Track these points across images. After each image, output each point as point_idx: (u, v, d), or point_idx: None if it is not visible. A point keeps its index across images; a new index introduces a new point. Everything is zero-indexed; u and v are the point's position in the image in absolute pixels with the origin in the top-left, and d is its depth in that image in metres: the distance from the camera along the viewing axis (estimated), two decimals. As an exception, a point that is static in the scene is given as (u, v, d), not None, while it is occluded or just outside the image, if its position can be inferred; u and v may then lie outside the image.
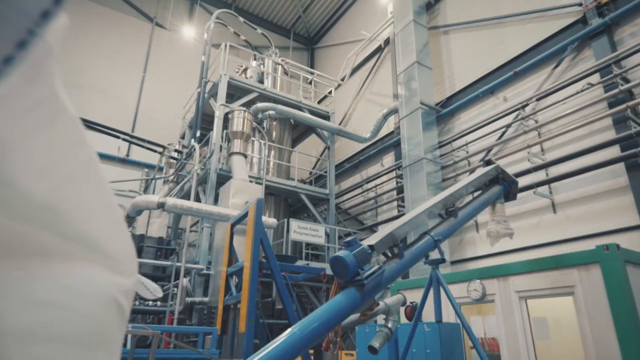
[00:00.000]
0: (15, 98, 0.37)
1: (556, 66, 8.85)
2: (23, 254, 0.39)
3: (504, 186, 5.33)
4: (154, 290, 1.02)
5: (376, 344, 4.76)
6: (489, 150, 9.83)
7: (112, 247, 0.48)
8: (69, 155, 0.43)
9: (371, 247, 3.51)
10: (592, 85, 7.95)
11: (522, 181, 8.52)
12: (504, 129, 9.61)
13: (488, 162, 5.54)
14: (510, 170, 8.76)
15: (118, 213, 0.51)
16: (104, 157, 14.42)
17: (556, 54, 8.85)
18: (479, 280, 5.94)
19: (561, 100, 8.43)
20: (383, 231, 3.79)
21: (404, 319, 6.90)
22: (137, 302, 8.77)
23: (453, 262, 9.75)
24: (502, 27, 10.37)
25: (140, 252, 10.34)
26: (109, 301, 0.46)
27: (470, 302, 6.08)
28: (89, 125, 12.44)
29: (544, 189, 8.39)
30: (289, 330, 2.97)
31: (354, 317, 5.23)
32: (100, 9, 16.36)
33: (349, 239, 3.49)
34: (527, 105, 9.16)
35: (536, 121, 8.93)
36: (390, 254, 3.90)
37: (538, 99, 8.99)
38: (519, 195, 8.47)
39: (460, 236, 9.99)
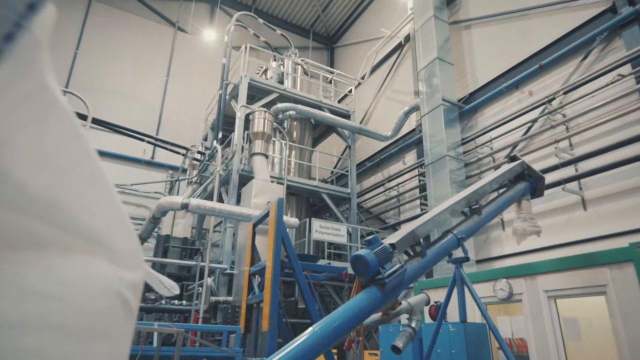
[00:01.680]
0: (5, 92, 0.37)
1: (584, 58, 8.55)
2: (17, 246, 0.39)
3: (529, 183, 5.18)
4: (170, 287, 1.02)
5: (399, 344, 4.71)
6: (514, 146, 9.58)
7: (115, 240, 0.48)
8: (64, 148, 0.42)
9: (392, 245, 3.46)
10: (623, 76, 7.64)
11: (550, 177, 8.28)
12: (529, 124, 9.35)
13: (513, 158, 5.40)
14: (537, 166, 8.57)
15: (120, 207, 0.50)
16: (130, 159, 14.78)
17: (584, 45, 8.55)
18: (505, 280, 5.80)
19: (590, 92, 8.13)
20: (404, 229, 3.74)
21: (428, 319, 6.80)
22: (163, 301, 8.95)
23: (478, 261, 9.55)
24: (527, 19, 10.09)
25: (165, 253, 10.55)
26: (111, 294, 0.46)
27: (497, 302, 5.94)
28: (116, 129, 12.78)
29: (573, 185, 8.12)
30: (310, 329, 2.96)
31: (376, 316, 5.19)
32: (124, 15, 16.77)
33: (369, 237, 3.46)
34: (554, 99, 8.89)
35: (564, 115, 8.65)
36: (412, 253, 3.84)
37: (565, 92, 8.71)
38: (546, 192, 8.24)
39: (486, 234, 9.78)
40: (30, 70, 0.39)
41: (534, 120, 9.24)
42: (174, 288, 1.06)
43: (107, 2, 16.60)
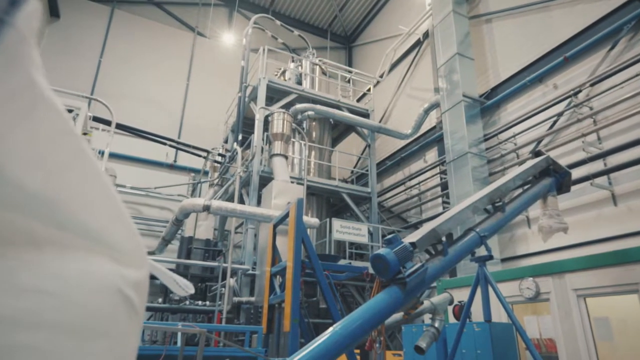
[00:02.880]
0: None
1: (611, 48, 8.25)
2: (12, 243, 0.39)
3: (555, 178, 5.03)
4: (185, 286, 1.02)
5: (423, 344, 4.64)
6: (539, 141, 9.33)
7: (116, 239, 0.48)
8: (57, 144, 0.42)
9: (413, 244, 3.41)
10: (654, 65, 7.34)
11: (578, 172, 8.03)
12: (555, 118, 9.09)
13: (537, 154, 5.25)
14: (564, 161, 8.31)
15: (120, 206, 0.50)
16: (153, 163, 15.08)
17: (611, 35, 8.25)
18: (531, 278, 5.65)
19: (619, 84, 7.84)
20: (425, 228, 3.68)
21: (452, 319, 6.68)
22: (187, 302, 9.08)
23: (504, 260, 9.33)
24: (549, 10, 9.81)
25: (189, 254, 10.70)
26: (112, 292, 0.45)
27: (523, 301, 5.79)
28: (139, 133, 13.06)
29: (602, 179, 7.85)
30: (330, 329, 2.94)
31: (398, 316, 5.13)
32: (146, 22, 17.13)
33: (389, 236, 3.42)
34: (580, 91, 8.61)
35: (591, 108, 8.37)
36: (433, 251, 3.77)
37: (592, 84, 8.42)
38: (574, 187, 8.01)
39: (511, 232, 9.55)
40: (16, 66, 0.38)
41: (560, 114, 8.98)
42: (188, 287, 1.06)
43: (128, 10, 16.99)
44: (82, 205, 0.44)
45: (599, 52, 8.51)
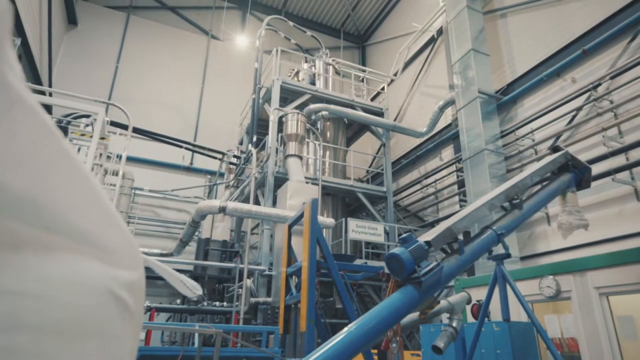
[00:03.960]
0: None
1: (632, 39, 8.03)
2: None
3: (574, 174, 4.91)
4: (193, 287, 1.03)
5: (441, 344, 4.58)
6: (557, 136, 9.14)
7: (107, 240, 0.48)
8: (37, 145, 0.41)
9: (428, 243, 3.37)
10: (677, 56, 7.11)
11: (598, 167, 7.84)
12: (574, 113, 8.89)
13: (555, 149, 5.14)
14: (584, 157, 8.14)
15: (109, 207, 0.50)
16: (170, 166, 15.29)
17: (631, 27, 8.02)
18: (551, 276, 5.53)
19: None
20: (440, 226, 3.63)
21: (470, 318, 6.59)
22: (205, 303, 9.17)
23: (523, 258, 9.16)
24: (566, 3, 9.60)
25: (206, 255, 10.82)
26: (102, 293, 0.45)
27: (543, 300, 5.67)
28: (155, 137, 13.25)
29: (624, 174, 7.64)
30: (345, 329, 2.93)
31: (414, 315, 5.08)
32: (160, 27, 17.39)
33: (404, 235, 3.38)
34: (599, 85, 8.41)
35: (611, 101, 8.16)
36: (449, 250, 3.72)
37: (612, 77, 8.21)
38: (595, 183, 7.82)
39: (530, 230, 9.38)
40: None
41: (579, 109, 8.78)
42: (196, 288, 1.07)
43: (144, 15, 17.27)
44: (69, 206, 0.44)
45: (618, 44, 8.29)
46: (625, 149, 7.62)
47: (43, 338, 0.39)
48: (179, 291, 1.02)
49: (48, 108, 11.73)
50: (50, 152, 0.42)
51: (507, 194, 4.23)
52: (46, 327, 0.39)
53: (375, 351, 6.53)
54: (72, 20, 15.32)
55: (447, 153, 12.88)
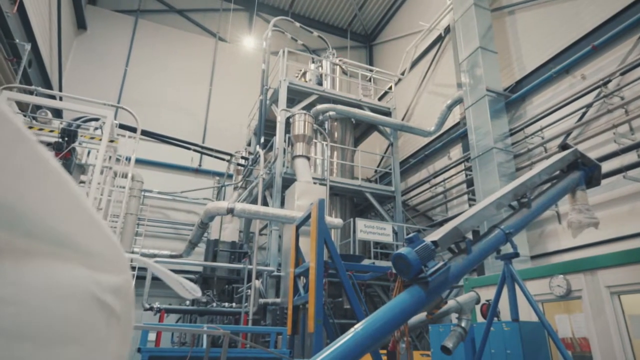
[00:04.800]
0: None
1: (642, 34, 7.91)
2: None
3: (584, 172, 4.85)
4: (191, 289, 1.03)
5: (449, 344, 4.56)
6: (567, 134, 9.02)
7: (89, 244, 0.47)
8: (10, 151, 0.40)
9: (434, 243, 3.35)
10: (689, 51, 6.99)
11: (610, 165, 7.73)
12: (584, 110, 8.78)
13: (564, 147, 5.08)
14: (595, 154, 8.03)
15: (91, 212, 0.49)
16: (179, 168, 15.40)
17: (641, 21, 7.90)
18: (562, 276, 5.47)
19: (651, 71, 7.51)
20: (447, 226, 3.62)
21: (480, 318, 6.54)
22: (214, 304, 9.21)
23: (533, 257, 9.07)
24: (575, -2, 9.49)
25: (215, 257, 10.87)
26: (84, 298, 0.45)
27: (554, 299, 5.61)
28: (164, 139, 13.36)
29: (636, 172, 7.52)
30: (352, 329, 2.93)
31: (422, 316, 5.06)
32: (168, 30, 17.53)
33: (410, 235, 3.37)
34: (609, 81, 8.29)
35: (622, 98, 8.04)
36: (456, 250, 3.70)
37: (622, 73, 8.09)
38: (606, 180, 7.73)
39: (541, 228, 9.28)
40: None
41: (589, 105, 8.67)
42: (195, 290, 1.07)
43: (152, 19, 17.42)
44: (49, 212, 0.43)
45: (629, 40, 8.17)
46: (636, 146, 7.51)
47: (18, 344, 0.38)
48: (178, 293, 1.03)
49: (58, 112, 11.89)
50: (24, 158, 0.42)
51: (515, 193, 4.20)
52: (22, 333, 0.39)
53: (385, 351, 6.51)
54: (81, 24, 15.51)
55: (456, 152, 12.79)
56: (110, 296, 0.47)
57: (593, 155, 7.93)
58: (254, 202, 11.02)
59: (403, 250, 3.22)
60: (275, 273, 9.44)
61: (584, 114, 8.79)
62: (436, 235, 3.47)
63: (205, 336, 4.39)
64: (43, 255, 0.43)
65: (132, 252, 8.71)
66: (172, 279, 1.00)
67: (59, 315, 0.43)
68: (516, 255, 3.95)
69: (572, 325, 5.45)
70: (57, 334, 0.42)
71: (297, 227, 6.89)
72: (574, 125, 8.86)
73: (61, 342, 0.42)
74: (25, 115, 7.68)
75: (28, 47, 9.49)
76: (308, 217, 6.39)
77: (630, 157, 7.61)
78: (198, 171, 15.74)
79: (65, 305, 0.43)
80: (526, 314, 5.34)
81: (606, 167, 7.70)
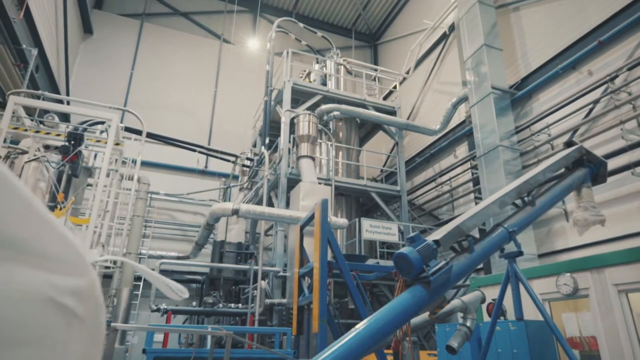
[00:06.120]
0: None
1: (649, 29, 7.80)
2: None
3: (590, 169, 4.79)
4: (178, 291, 1.03)
5: (454, 344, 4.53)
6: (574, 130, 8.93)
7: (46, 248, 0.47)
8: None
9: (436, 242, 3.33)
10: (697, 44, 6.88)
11: (618, 161, 7.64)
12: (591, 106, 8.68)
13: (569, 144, 5.02)
14: (602, 150, 7.94)
15: (46, 215, 0.49)
16: (185, 170, 15.48)
17: (649, 15, 7.79)
18: (569, 274, 5.41)
19: (658, 66, 7.41)
20: (449, 225, 3.59)
21: (487, 317, 6.49)
22: (220, 305, 9.24)
23: (541, 255, 8.98)
24: (580, -6, 9.39)
25: (221, 258, 10.91)
26: (38, 300, 0.45)
27: (561, 298, 5.55)
28: (170, 142, 13.44)
29: (644, 168, 7.42)
30: (353, 329, 2.92)
31: (425, 315, 5.03)
32: (173, 33, 17.63)
33: (412, 235, 3.35)
34: (616, 76, 8.19)
35: (629, 93, 7.94)
36: (459, 249, 3.68)
37: (630, 68, 7.99)
38: (614, 177, 7.64)
39: (548, 226, 9.19)
40: None
41: (596, 102, 8.58)
42: (182, 292, 1.07)
43: (157, 22, 17.54)
44: (0, 217, 0.43)
45: (635, 35, 8.07)
46: (645, 142, 7.41)
47: None
48: (165, 295, 1.03)
49: (66, 116, 12.01)
50: None
51: (519, 191, 4.16)
52: None
53: (391, 351, 6.49)
54: (87, 29, 15.66)
55: (462, 150, 12.72)
56: (70, 298, 0.47)
57: (600, 151, 7.85)
58: (260, 203, 11.05)
59: (404, 249, 3.20)
60: (281, 273, 9.46)
61: (591, 110, 8.69)
62: (438, 234, 3.45)
63: (209, 337, 4.41)
64: None
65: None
66: (158, 280, 1.01)
67: (12, 318, 0.42)
68: (520, 253, 3.92)
69: (580, 324, 5.39)
70: (9, 336, 0.42)
71: (302, 228, 6.89)
72: (581, 122, 8.77)
73: (14, 345, 0.42)
74: (32, 120, 7.76)
75: (35, 52, 9.59)
76: (312, 217, 6.39)
77: (639, 154, 7.51)
78: (204, 173, 15.81)
79: (18, 308, 0.43)
80: (533, 313, 5.29)
81: (614, 163, 7.60)
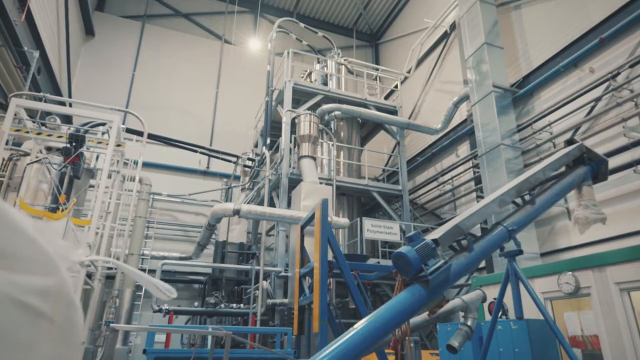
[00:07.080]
0: None
1: (651, 26, 7.76)
2: None
3: (590, 167, 4.76)
4: (166, 291, 1.03)
5: (455, 343, 4.51)
6: (576, 128, 8.89)
7: (8, 247, 0.47)
8: None
9: (435, 241, 3.32)
10: (699, 41, 6.83)
11: (620, 159, 7.60)
12: (592, 104, 8.64)
13: (570, 142, 5.00)
14: (605, 148, 7.91)
15: (10, 214, 0.49)
16: (187, 170, 15.51)
17: (650, 12, 7.75)
18: (570, 272, 5.38)
19: (660, 63, 7.36)
20: (448, 224, 3.58)
21: (488, 316, 6.47)
22: (222, 305, 9.26)
23: (543, 254, 8.94)
24: (582, -9, 9.34)
25: (223, 258, 10.92)
26: (1, 299, 0.44)
27: (563, 297, 5.53)
28: (172, 143, 13.47)
29: (646, 166, 7.38)
30: (352, 328, 2.92)
31: (425, 315, 5.01)
32: (174, 34, 17.67)
33: (411, 234, 3.35)
34: (618, 74, 8.14)
35: (631, 90, 7.90)
36: (458, 248, 3.66)
37: (632, 66, 7.95)
38: (616, 175, 7.60)
39: (550, 225, 9.15)
40: None
41: (598, 99, 8.53)
42: (170, 292, 1.07)
43: (158, 23, 17.58)
44: None
45: (637, 32, 8.02)
46: (647, 140, 7.37)
47: None
48: (153, 294, 1.03)
49: (68, 117, 12.06)
50: None
51: (519, 189, 4.14)
52: None
53: (392, 351, 6.48)
54: (89, 31, 15.71)
55: (463, 149, 12.68)
56: (35, 298, 0.47)
57: (603, 149, 7.82)
58: (262, 203, 11.06)
59: (403, 249, 3.20)
60: (283, 273, 9.46)
61: (592, 107, 8.65)
62: (437, 233, 3.44)
63: (209, 337, 4.42)
64: None
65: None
66: (147, 281, 1.00)
67: None
68: (520, 252, 3.90)
69: (582, 323, 5.36)
70: None
71: (302, 228, 6.89)
72: (583, 120, 8.73)
73: None
74: (34, 122, 7.79)
75: (37, 54, 9.63)
76: (312, 217, 6.39)
77: (641, 151, 7.47)
78: (206, 173, 15.83)
79: None
80: (534, 312, 5.26)
81: (616, 161, 7.57)
